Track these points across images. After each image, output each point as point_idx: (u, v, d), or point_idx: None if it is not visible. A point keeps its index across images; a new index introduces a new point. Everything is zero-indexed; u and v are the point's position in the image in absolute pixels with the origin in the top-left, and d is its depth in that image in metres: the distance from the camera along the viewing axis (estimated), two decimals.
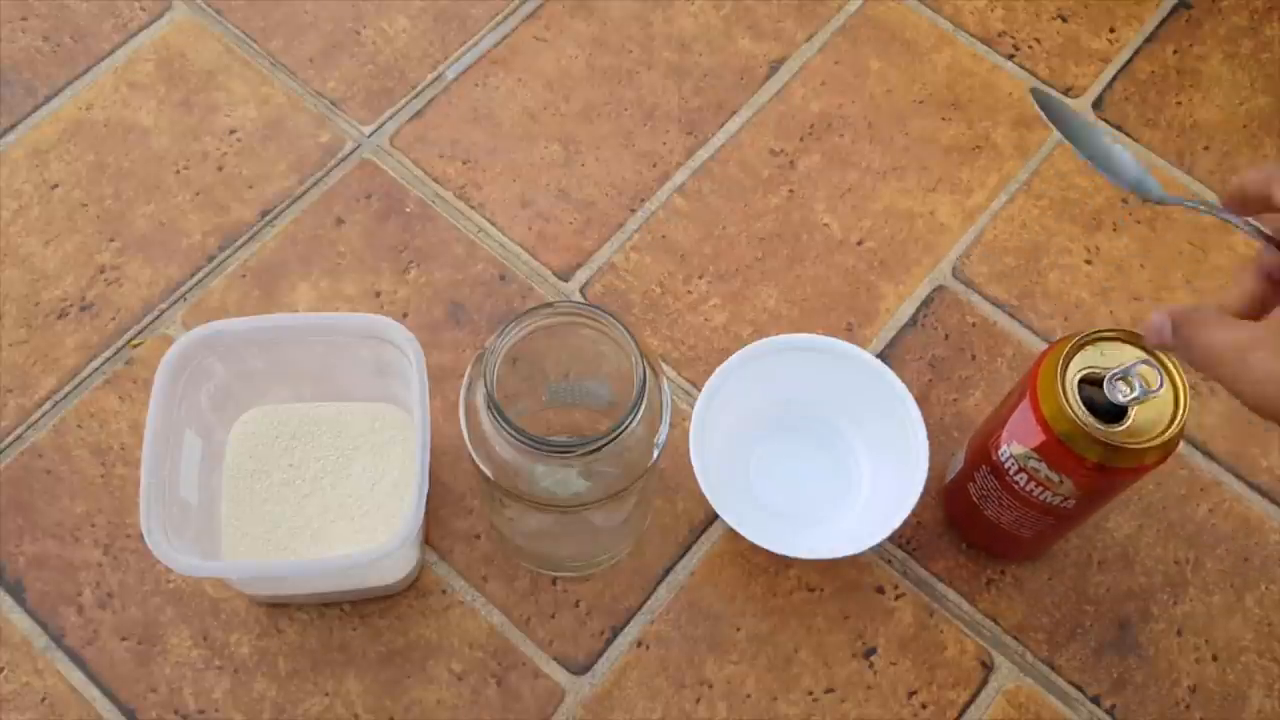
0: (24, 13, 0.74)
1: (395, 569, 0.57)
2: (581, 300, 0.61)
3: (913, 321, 0.67)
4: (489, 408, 0.45)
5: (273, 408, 0.61)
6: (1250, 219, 0.43)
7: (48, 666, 0.57)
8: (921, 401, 0.59)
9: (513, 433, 0.45)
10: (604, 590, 0.60)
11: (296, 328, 0.56)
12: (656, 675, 0.58)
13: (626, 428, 0.45)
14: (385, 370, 0.57)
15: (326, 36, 0.74)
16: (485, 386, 0.45)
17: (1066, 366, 0.49)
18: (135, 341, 0.65)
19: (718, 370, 0.59)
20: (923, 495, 0.57)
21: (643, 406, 0.46)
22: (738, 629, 0.59)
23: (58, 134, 0.70)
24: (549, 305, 0.48)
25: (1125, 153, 0.48)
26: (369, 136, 0.71)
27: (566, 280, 0.67)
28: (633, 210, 0.69)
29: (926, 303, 0.67)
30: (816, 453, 0.62)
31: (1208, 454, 0.64)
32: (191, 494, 0.55)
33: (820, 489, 0.62)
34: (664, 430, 0.49)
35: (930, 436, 0.57)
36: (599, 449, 0.45)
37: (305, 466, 0.60)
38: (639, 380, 0.46)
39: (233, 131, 0.71)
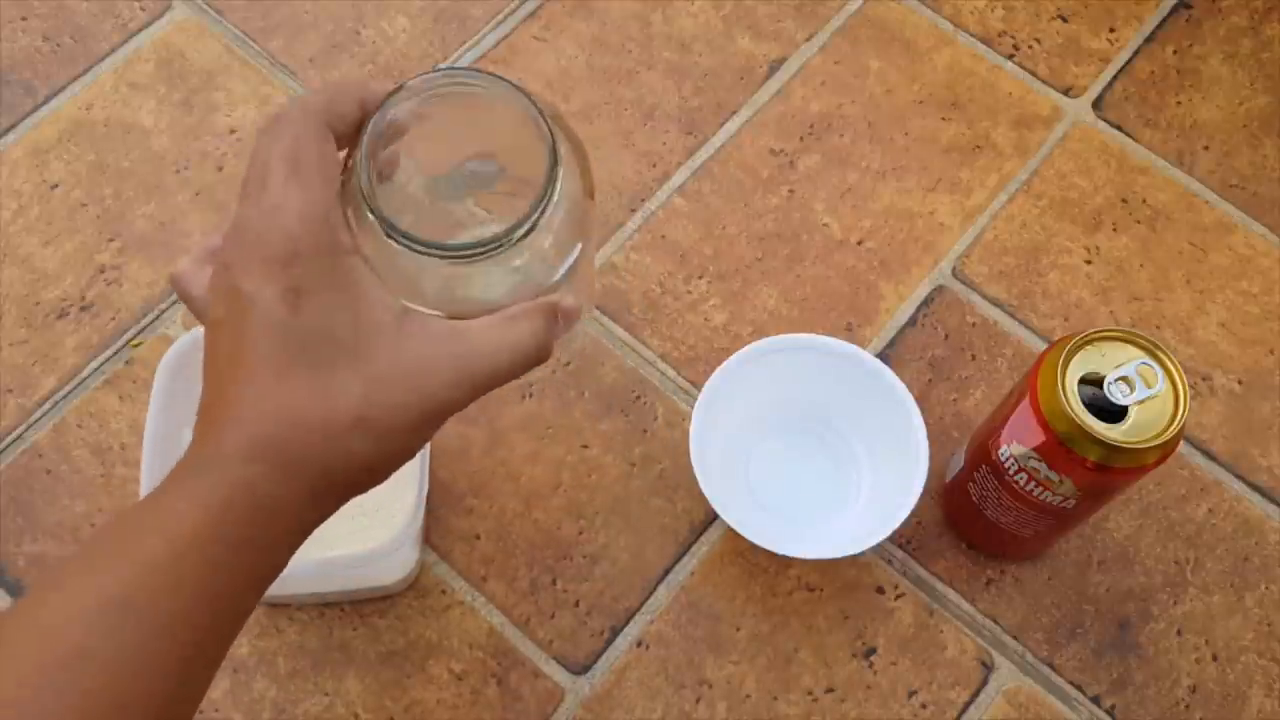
0: (24, 13, 0.74)
1: (395, 569, 0.57)
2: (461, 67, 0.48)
3: (913, 321, 0.67)
4: (362, 200, 0.35)
5: None
6: None
7: None
8: (921, 401, 0.59)
9: (411, 242, 0.35)
10: (604, 590, 0.60)
11: None
12: (656, 675, 0.58)
13: (546, 203, 0.35)
14: None
15: (326, 36, 0.74)
16: (360, 182, 0.35)
17: (1066, 366, 0.49)
18: (135, 341, 0.65)
19: (718, 370, 0.59)
20: (923, 495, 0.57)
21: (560, 154, 0.36)
22: (738, 629, 0.59)
23: (58, 134, 0.70)
24: (419, 78, 0.37)
25: None
26: None
27: None
28: (633, 210, 0.69)
29: (926, 303, 0.67)
30: (816, 453, 0.62)
31: (1208, 454, 0.64)
32: None
33: (820, 489, 0.62)
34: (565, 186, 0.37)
35: (930, 436, 0.57)
36: (526, 230, 0.35)
37: None
38: (547, 144, 0.36)
39: (233, 131, 0.71)
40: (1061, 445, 0.49)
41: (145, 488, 0.51)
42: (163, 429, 0.53)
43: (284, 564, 0.36)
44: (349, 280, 0.35)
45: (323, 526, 0.60)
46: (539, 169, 0.36)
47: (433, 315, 0.37)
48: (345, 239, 0.35)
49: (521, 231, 0.35)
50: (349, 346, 0.34)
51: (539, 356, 0.37)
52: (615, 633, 0.59)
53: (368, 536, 0.58)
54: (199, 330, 0.54)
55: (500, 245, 0.35)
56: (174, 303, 0.66)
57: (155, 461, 0.52)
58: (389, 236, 0.35)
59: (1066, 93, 0.74)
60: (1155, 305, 0.68)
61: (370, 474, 0.36)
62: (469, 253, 0.35)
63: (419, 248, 0.34)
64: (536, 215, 0.35)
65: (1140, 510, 0.63)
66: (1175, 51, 0.76)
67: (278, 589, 0.57)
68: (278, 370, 0.33)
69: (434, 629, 0.59)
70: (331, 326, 0.34)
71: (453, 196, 0.42)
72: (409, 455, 0.36)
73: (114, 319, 0.65)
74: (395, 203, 0.36)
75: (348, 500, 0.36)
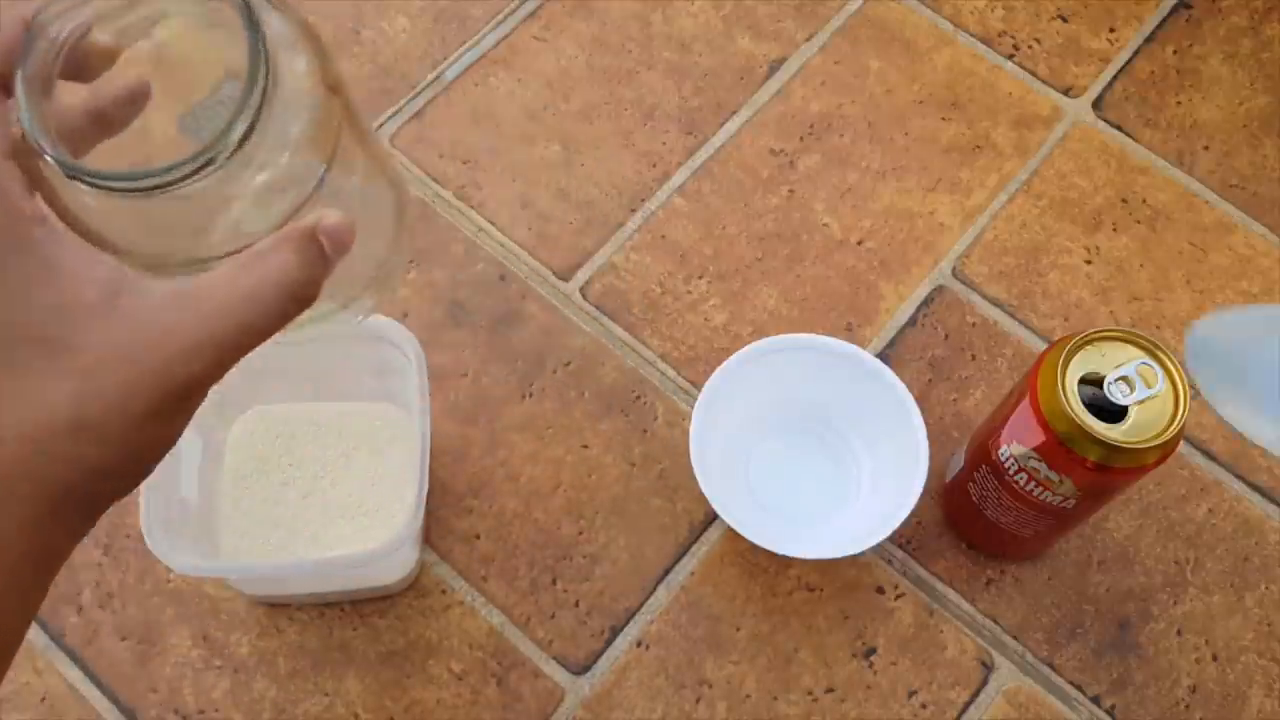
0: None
1: (395, 569, 0.57)
2: None
3: (912, 321, 0.67)
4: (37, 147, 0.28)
5: (272, 407, 0.61)
6: None
7: (47, 666, 0.57)
8: (921, 401, 0.59)
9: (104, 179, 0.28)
10: (604, 590, 0.60)
11: None
12: (656, 675, 0.58)
13: (246, 111, 0.28)
14: (385, 370, 0.57)
15: (326, 36, 0.73)
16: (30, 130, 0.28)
17: (1066, 366, 0.49)
18: None
19: (718, 370, 0.59)
20: (923, 495, 0.57)
21: (265, 34, 0.28)
22: (738, 629, 0.59)
23: None
24: None
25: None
26: None
27: (566, 280, 0.67)
28: (633, 210, 0.69)
29: (926, 303, 0.67)
30: (816, 453, 0.62)
31: (1208, 454, 0.64)
32: (191, 494, 0.55)
33: (820, 489, 0.62)
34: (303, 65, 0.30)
35: (930, 436, 0.57)
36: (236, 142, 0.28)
37: (305, 466, 0.60)
38: (244, 18, 0.28)
39: None
40: (1061, 445, 0.49)
41: (145, 487, 0.51)
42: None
43: (39, 591, 0.31)
44: (37, 257, 0.29)
45: (322, 527, 0.59)
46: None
47: (165, 277, 0.30)
48: (26, 206, 0.29)
49: (232, 137, 0.27)
50: (49, 338, 0.29)
51: (301, 295, 0.31)
52: (615, 633, 0.59)
53: (368, 537, 0.58)
54: None
55: (211, 160, 0.28)
56: None
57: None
58: (71, 179, 0.28)
59: (1066, 93, 0.74)
60: (1155, 305, 0.68)
61: (116, 479, 0.30)
62: (173, 176, 0.27)
63: (104, 182, 0.28)
64: (245, 112, 0.28)
65: (1140, 510, 0.62)
66: (1175, 51, 0.76)
67: (277, 589, 0.58)
68: None
69: (434, 629, 0.59)
70: (22, 319, 0.29)
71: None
72: (164, 444, 0.31)
73: None
74: (142, 156, 0.30)
75: (105, 509, 0.31)
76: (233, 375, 0.52)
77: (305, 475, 0.60)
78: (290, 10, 0.31)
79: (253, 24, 0.28)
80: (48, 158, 0.28)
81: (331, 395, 0.61)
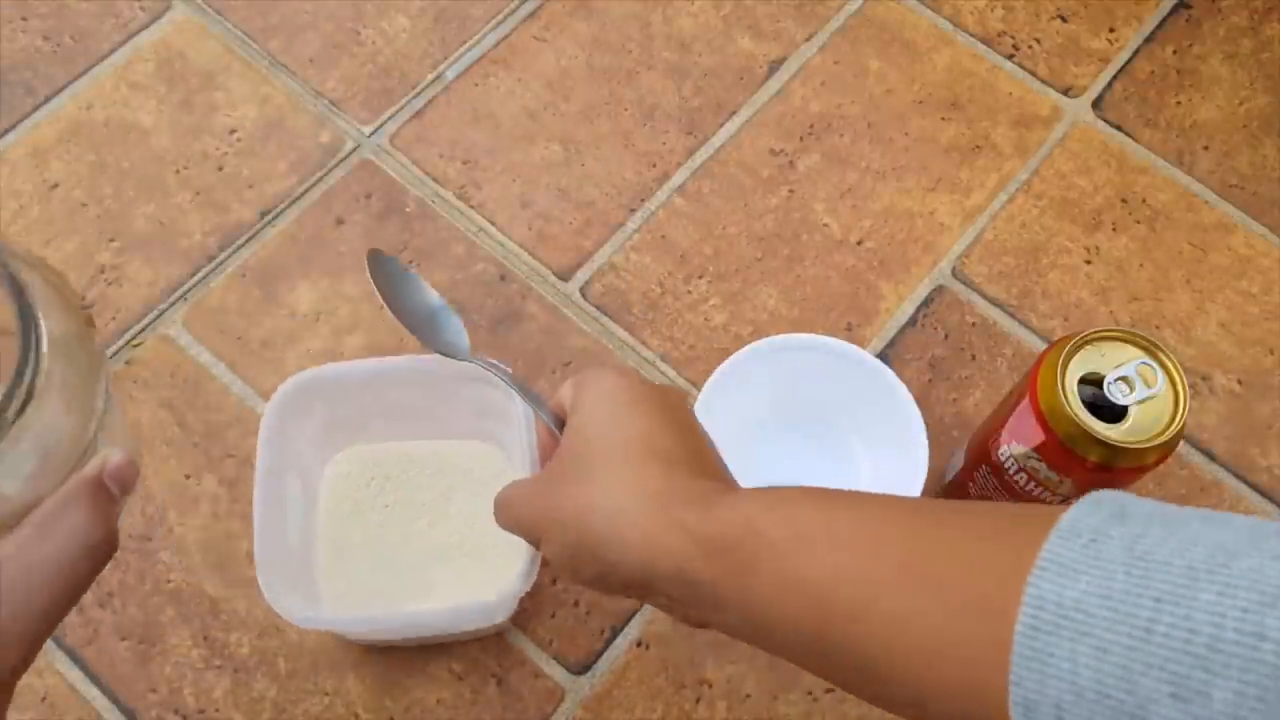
0: (24, 13, 0.74)
1: (504, 612, 0.55)
2: None
3: (912, 321, 0.67)
4: None
5: (367, 446, 0.59)
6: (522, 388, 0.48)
7: (47, 666, 0.57)
8: (921, 401, 0.59)
9: None
10: None
11: (401, 370, 0.54)
12: (656, 675, 0.58)
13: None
14: (485, 411, 0.56)
15: (326, 36, 0.74)
16: None
17: (1066, 366, 0.49)
18: (136, 342, 0.65)
19: (717, 370, 0.59)
20: (923, 495, 0.57)
21: (33, 298, 0.28)
22: None
23: (58, 134, 0.70)
24: None
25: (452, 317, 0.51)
26: (369, 136, 0.71)
27: (566, 280, 0.67)
28: (632, 210, 0.69)
29: (926, 303, 0.67)
30: (816, 453, 0.62)
31: (1208, 454, 0.64)
32: (295, 538, 0.54)
33: None
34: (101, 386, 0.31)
35: (930, 436, 0.57)
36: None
37: (402, 507, 0.58)
38: (10, 290, 0.28)
39: (233, 131, 0.71)
40: (1061, 445, 0.49)
41: (260, 535, 0.49)
42: (273, 470, 0.51)
43: None
44: None
45: (422, 569, 0.57)
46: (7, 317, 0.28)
47: None
48: None
49: (14, 407, 0.27)
50: None
51: (107, 549, 0.30)
52: (615, 633, 0.59)
53: (470, 579, 0.57)
54: (306, 373, 0.53)
55: None
56: (174, 303, 0.66)
57: (266, 507, 0.50)
58: None
59: (1066, 93, 0.74)
60: (1155, 305, 0.68)
61: None
62: None
63: None
64: (27, 379, 0.27)
65: None
66: (1175, 51, 0.76)
67: (383, 635, 0.56)
68: None
69: None
70: None
71: None
72: None
73: (114, 319, 0.65)
74: None
75: None
76: (332, 416, 0.52)
77: (403, 516, 0.58)
78: (34, 259, 0.29)
79: (21, 295, 0.27)
80: None
81: (428, 434, 0.59)
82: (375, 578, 0.56)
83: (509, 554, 0.55)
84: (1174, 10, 0.77)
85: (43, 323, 0.28)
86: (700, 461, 0.41)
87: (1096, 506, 0.30)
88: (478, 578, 0.57)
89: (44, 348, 0.28)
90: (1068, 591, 0.28)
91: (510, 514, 0.44)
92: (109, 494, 0.30)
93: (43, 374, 0.28)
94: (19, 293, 0.27)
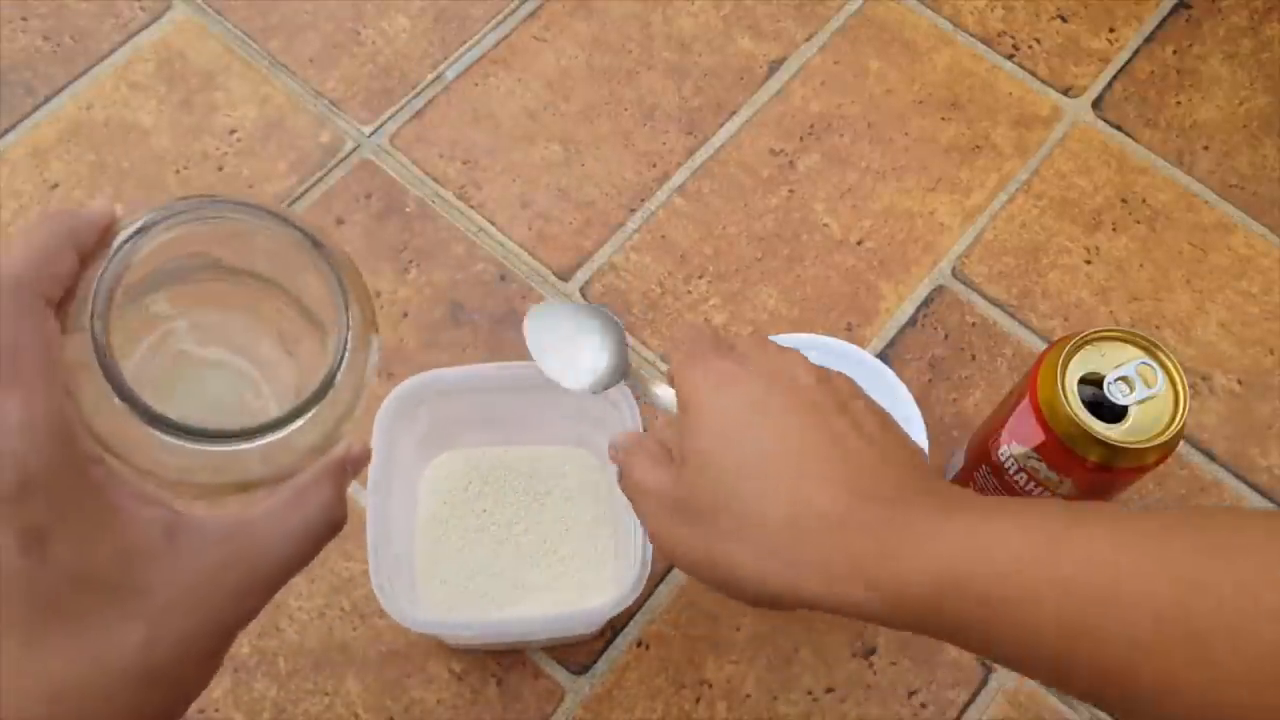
0: (24, 13, 0.74)
1: (601, 619, 0.55)
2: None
3: (912, 321, 0.67)
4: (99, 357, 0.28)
5: (463, 452, 0.60)
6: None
7: None
8: (921, 401, 0.59)
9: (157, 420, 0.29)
10: None
11: (498, 377, 0.55)
12: (656, 675, 0.58)
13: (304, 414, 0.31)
14: (581, 416, 0.56)
15: (326, 36, 0.74)
16: (93, 334, 0.28)
17: (1066, 366, 0.49)
18: None
19: None
20: None
21: (350, 300, 0.31)
22: (738, 629, 0.59)
23: (58, 134, 0.70)
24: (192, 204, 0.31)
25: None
26: (369, 136, 0.71)
27: (566, 280, 0.67)
28: (632, 210, 0.69)
29: (926, 303, 0.67)
30: None
31: (1208, 454, 0.64)
32: (401, 542, 0.54)
33: None
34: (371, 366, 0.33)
35: (930, 436, 0.57)
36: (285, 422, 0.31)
37: (498, 512, 0.59)
38: (333, 287, 0.31)
39: (233, 131, 0.71)
40: (1061, 445, 0.49)
41: (372, 541, 0.50)
42: (381, 478, 0.52)
43: None
44: (100, 499, 0.28)
45: (519, 573, 0.57)
46: (298, 286, 0.31)
47: (200, 503, 0.31)
48: (86, 445, 0.28)
49: (322, 400, 0.30)
50: (117, 583, 0.28)
51: (334, 529, 0.33)
52: (615, 633, 0.59)
53: (566, 583, 0.57)
54: (417, 377, 0.53)
55: (298, 414, 0.30)
56: None
57: (378, 513, 0.51)
58: (153, 426, 0.28)
59: (1066, 93, 0.74)
60: (1155, 305, 0.68)
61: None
62: (259, 436, 0.29)
63: (195, 439, 0.29)
64: (334, 373, 0.30)
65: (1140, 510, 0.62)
66: (1175, 51, 0.76)
67: (480, 640, 0.56)
68: (28, 633, 0.27)
69: None
70: (91, 564, 0.28)
71: (138, 295, 0.32)
72: (206, 683, 0.31)
73: None
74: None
75: None
76: (435, 420, 0.52)
77: (499, 520, 0.59)
78: (340, 252, 0.32)
79: (343, 294, 0.31)
80: (123, 402, 0.28)
81: (522, 440, 0.60)
82: (473, 581, 0.57)
83: (600, 559, 0.58)
84: (1174, 10, 0.77)
85: (353, 313, 0.31)
86: (874, 471, 0.35)
87: None
88: (569, 583, 0.57)
89: (351, 344, 0.31)
90: None
91: (642, 516, 0.40)
92: (346, 477, 0.33)
93: (343, 371, 0.31)
94: (341, 293, 0.31)
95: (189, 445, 0.29)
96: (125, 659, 0.28)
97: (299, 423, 0.30)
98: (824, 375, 0.40)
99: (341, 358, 0.31)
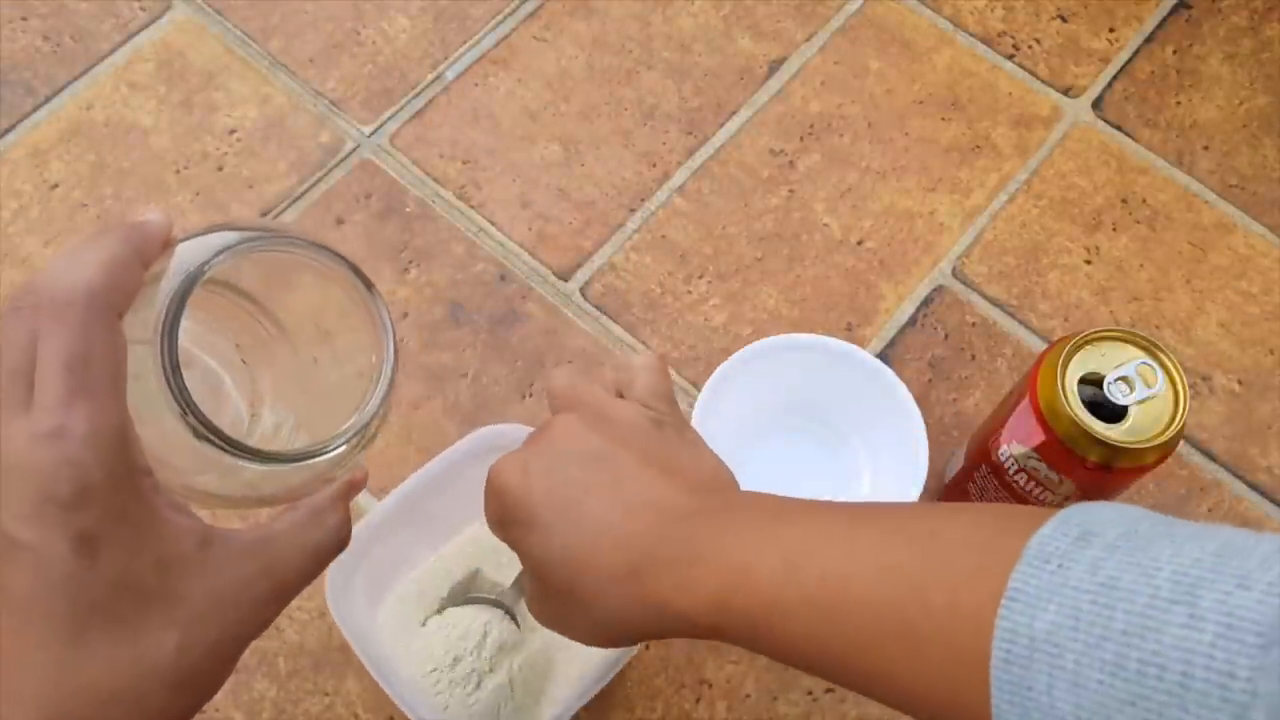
0: (24, 13, 0.74)
1: None
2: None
3: (912, 321, 0.67)
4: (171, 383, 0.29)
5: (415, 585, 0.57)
6: None
7: None
8: (921, 401, 0.59)
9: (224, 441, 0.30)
10: None
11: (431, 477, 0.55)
12: (656, 675, 0.58)
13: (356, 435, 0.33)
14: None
15: (326, 36, 0.74)
16: (165, 361, 0.29)
17: (1066, 366, 0.49)
18: None
19: (717, 370, 0.59)
20: (923, 495, 0.57)
21: (394, 341, 0.34)
22: None
23: (58, 134, 0.70)
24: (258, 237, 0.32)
25: None
26: (369, 136, 0.71)
27: (566, 280, 0.67)
28: (632, 210, 0.69)
29: (926, 303, 0.67)
30: (816, 453, 0.62)
31: (1208, 454, 0.64)
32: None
33: (820, 489, 0.61)
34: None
35: (930, 436, 0.57)
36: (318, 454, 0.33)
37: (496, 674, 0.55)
38: (383, 329, 0.34)
39: (233, 131, 0.71)
40: (1061, 445, 0.49)
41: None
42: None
43: None
44: (148, 509, 0.29)
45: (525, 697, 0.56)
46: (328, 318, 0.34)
47: (226, 510, 0.33)
48: (139, 456, 0.29)
49: (374, 425, 0.33)
50: (155, 590, 0.29)
51: (342, 547, 0.35)
52: None
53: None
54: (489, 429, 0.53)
55: (345, 442, 0.32)
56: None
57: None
58: (205, 441, 0.30)
59: (1066, 93, 0.74)
60: (1155, 305, 0.68)
61: None
62: (307, 458, 0.32)
63: (253, 457, 0.30)
64: (385, 398, 0.33)
65: None
66: (1175, 51, 0.76)
67: None
68: (72, 634, 0.28)
69: None
70: (134, 571, 0.29)
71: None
72: (220, 687, 0.33)
73: None
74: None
75: None
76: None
77: (500, 680, 0.55)
78: (374, 290, 0.34)
79: (390, 336, 0.33)
80: (187, 420, 0.29)
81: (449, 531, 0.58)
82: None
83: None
84: (1174, 10, 0.77)
85: (394, 351, 0.34)
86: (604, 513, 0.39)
87: (1064, 525, 0.30)
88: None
89: (392, 379, 0.33)
90: (1037, 622, 0.28)
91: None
92: (349, 499, 0.36)
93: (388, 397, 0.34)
94: (390, 334, 0.33)
95: (241, 463, 0.30)
96: (160, 663, 0.29)
97: (341, 449, 0.32)
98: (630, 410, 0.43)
99: (386, 395, 0.33)
